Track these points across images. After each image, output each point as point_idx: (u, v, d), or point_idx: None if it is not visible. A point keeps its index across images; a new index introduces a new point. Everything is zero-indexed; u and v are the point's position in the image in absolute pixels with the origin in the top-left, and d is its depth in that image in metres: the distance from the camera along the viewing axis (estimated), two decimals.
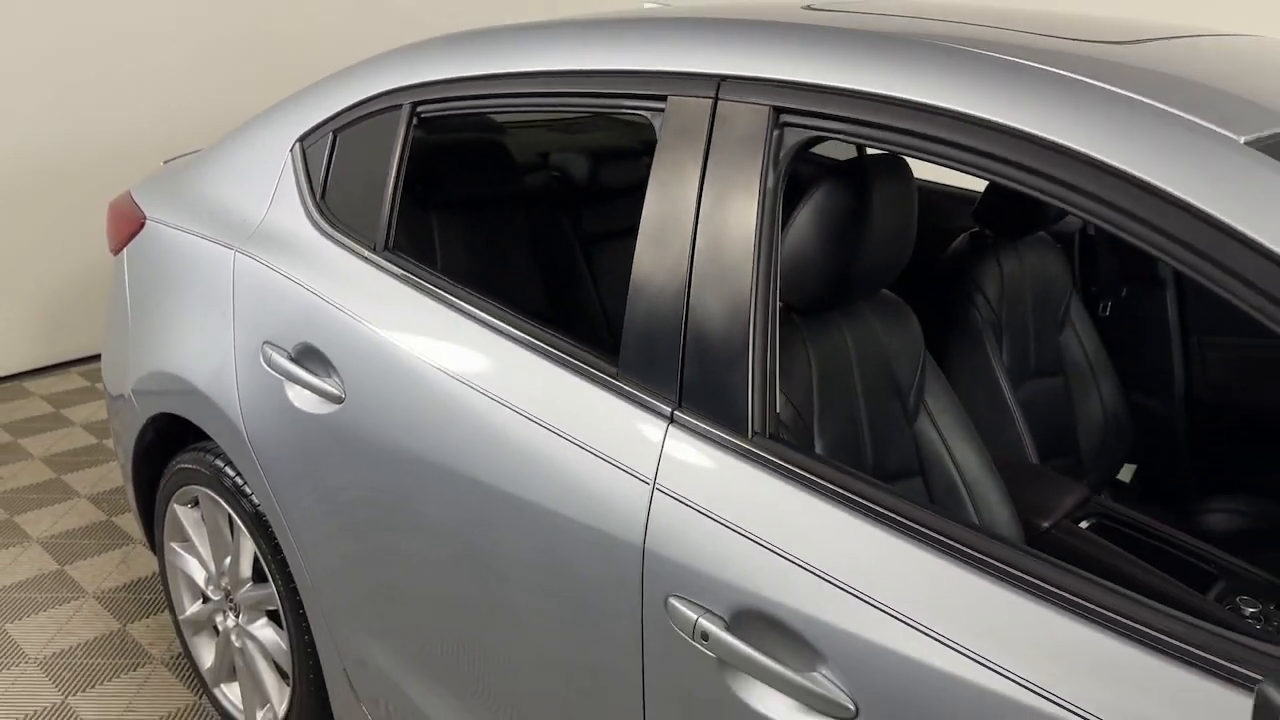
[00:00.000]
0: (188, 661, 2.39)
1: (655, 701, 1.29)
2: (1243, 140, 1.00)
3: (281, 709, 2.10)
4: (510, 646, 1.48)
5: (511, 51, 1.62)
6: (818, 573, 1.13)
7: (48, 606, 2.75)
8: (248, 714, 2.20)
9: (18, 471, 3.50)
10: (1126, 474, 2.48)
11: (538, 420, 1.42)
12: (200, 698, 2.41)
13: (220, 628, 2.23)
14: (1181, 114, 1.04)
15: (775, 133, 1.28)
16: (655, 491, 1.28)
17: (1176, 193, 0.98)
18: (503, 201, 2.31)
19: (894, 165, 1.51)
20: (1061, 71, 1.12)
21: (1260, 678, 0.87)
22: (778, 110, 1.28)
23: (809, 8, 1.53)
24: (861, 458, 1.64)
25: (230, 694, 2.27)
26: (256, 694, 2.16)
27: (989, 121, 1.10)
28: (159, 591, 2.80)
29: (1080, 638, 0.97)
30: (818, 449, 1.56)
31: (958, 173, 1.23)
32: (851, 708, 1.09)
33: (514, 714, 1.52)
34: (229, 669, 2.25)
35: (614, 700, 1.35)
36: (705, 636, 1.20)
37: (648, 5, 2.16)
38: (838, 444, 1.59)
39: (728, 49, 1.35)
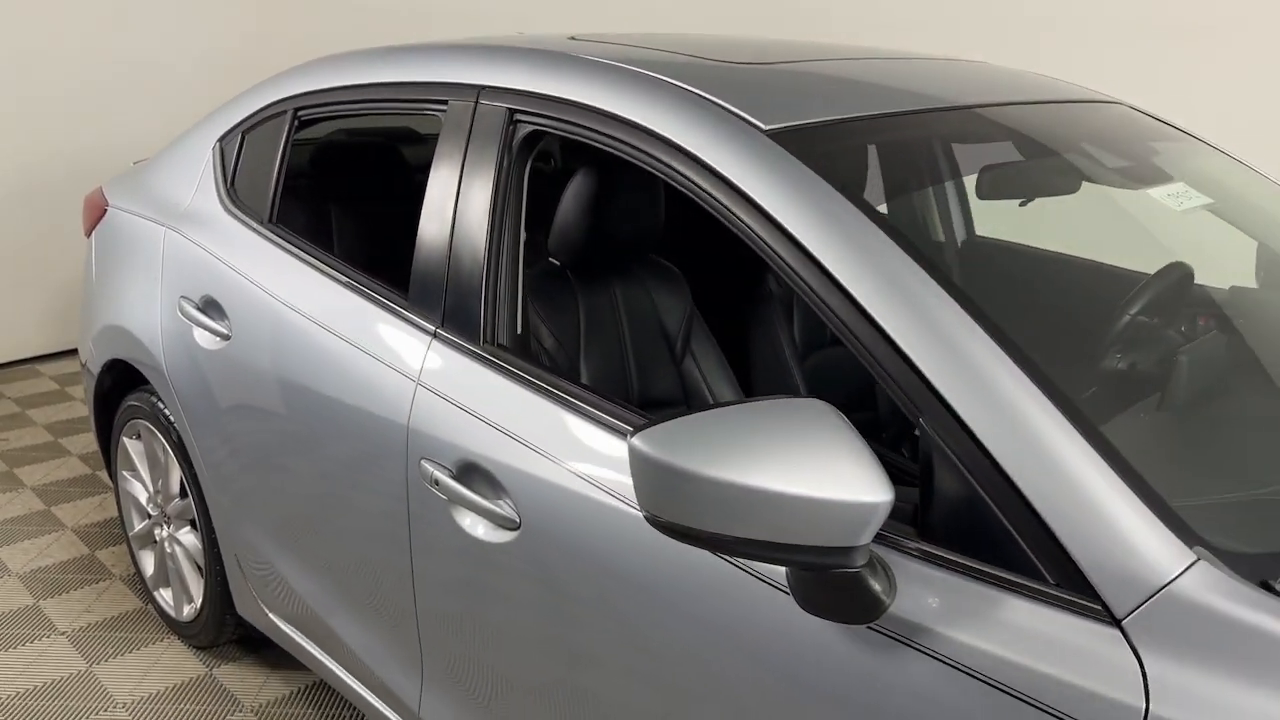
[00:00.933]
0: (138, 575, 2.88)
1: (415, 531, 1.75)
2: (764, 128, 1.47)
3: (199, 601, 2.59)
4: (330, 504, 1.96)
5: (356, 69, 2.13)
6: (506, 432, 1.60)
7: (32, 536, 3.27)
8: (176, 609, 2.70)
9: (22, 435, 4.04)
10: None
11: (351, 342, 1.90)
12: (147, 605, 2.90)
13: (158, 538, 2.72)
14: (736, 110, 1.50)
15: (510, 128, 1.76)
16: (418, 386, 1.76)
17: (715, 165, 1.45)
18: (393, 196, 2.80)
19: None
20: (673, 81, 1.59)
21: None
22: (512, 111, 1.76)
23: (573, 38, 2.02)
24: (628, 385, 2.10)
25: (166, 596, 2.76)
26: (184, 592, 2.65)
27: (617, 116, 1.57)
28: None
29: None
30: (583, 375, 2.03)
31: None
32: (517, 520, 1.56)
33: (337, 552, 1.99)
34: (165, 575, 2.74)
35: (390, 530, 1.81)
36: (437, 483, 1.67)
37: (517, 32, 2.66)
38: (601, 372, 2.06)
39: (485, 67, 1.84)
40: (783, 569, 1.23)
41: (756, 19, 4.14)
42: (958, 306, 1.22)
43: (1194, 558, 1.03)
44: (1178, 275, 1.85)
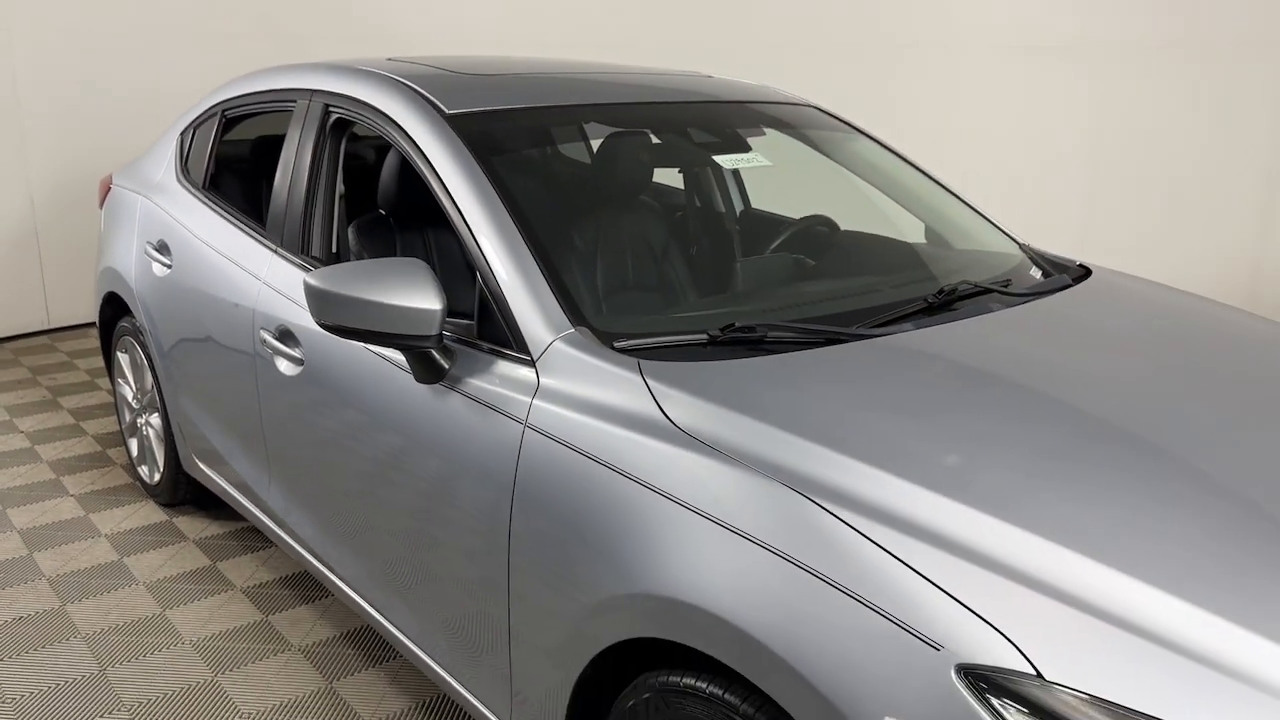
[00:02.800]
0: (130, 461, 3.89)
1: (259, 375, 2.70)
2: (447, 112, 2.39)
3: (165, 461, 3.59)
4: (219, 369, 2.93)
5: (253, 81, 3.11)
6: (296, 301, 2.53)
7: (63, 439, 4.31)
8: (150, 477, 3.70)
9: (68, 376, 5.13)
10: None
11: (231, 259, 2.87)
12: (134, 481, 3.91)
13: (138, 426, 3.73)
14: (434, 100, 2.42)
15: (325, 116, 2.71)
16: (261, 284, 2.71)
17: (412, 135, 2.37)
18: None
19: None
20: (407, 82, 2.52)
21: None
22: (327, 105, 2.71)
23: (390, 59, 2.96)
24: None
25: (144, 470, 3.76)
26: (154, 462, 3.65)
27: (370, 104, 2.51)
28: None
29: None
30: None
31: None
32: (303, 359, 2.49)
33: (223, 401, 2.95)
34: (144, 454, 3.75)
35: (248, 379, 2.76)
36: (265, 343, 2.62)
37: (386, 58, 3.61)
38: None
39: (314, 78, 2.80)
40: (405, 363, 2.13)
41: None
42: (505, 212, 2.12)
43: (571, 330, 1.92)
44: (812, 221, 2.73)
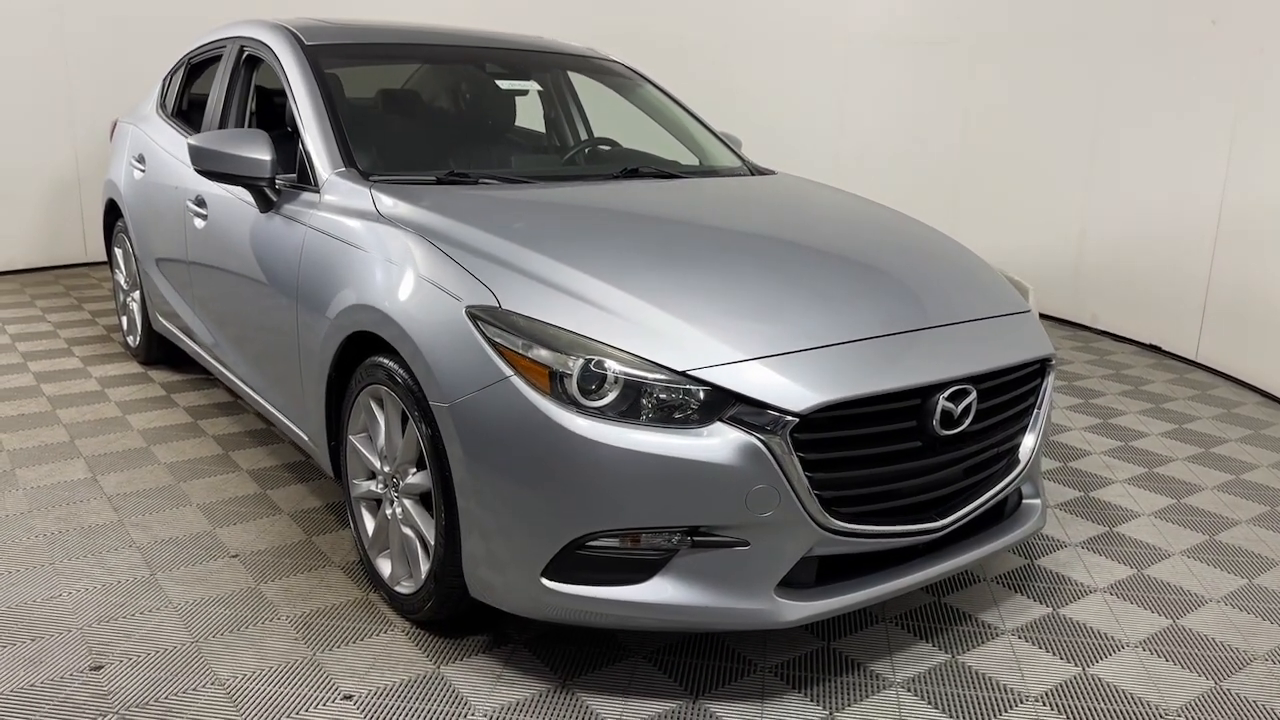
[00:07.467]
0: (121, 333, 5.07)
1: (186, 232, 3.84)
2: (307, 43, 3.49)
3: (140, 325, 4.74)
4: (165, 240, 4.07)
5: (203, 38, 4.28)
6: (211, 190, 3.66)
7: (85, 326, 5.52)
8: (133, 340, 4.87)
9: (94, 292, 6.37)
10: None
11: (177, 158, 4.01)
12: (124, 351, 5.08)
13: (127, 304, 4.91)
14: (301, 36, 3.54)
15: (240, 54, 3.85)
16: (186, 168, 3.84)
17: (280, 59, 3.48)
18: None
19: None
20: (290, 27, 3.63)
21: None
22: (242, 46, 3.85)
23: (298, 17, 4.09)
24: None
25: (131, 339, 4.93)
26: (135, 330, 4.82)
27: (262, 41, 3.63)
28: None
29: None
30: None
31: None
32: (207, 215, 3.62)
33: (171, 264, 4.09)
34: (130, 326, 4.91)
35: (182, 239, 3.89)
36: (188, 208, 3.75)
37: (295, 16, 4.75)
38: None
39: (235, 29, 3.94)
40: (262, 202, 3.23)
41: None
42: (320, 99, 3.20)
43: (343, 169, 3.00)
44: (599, 140, 3.80)
